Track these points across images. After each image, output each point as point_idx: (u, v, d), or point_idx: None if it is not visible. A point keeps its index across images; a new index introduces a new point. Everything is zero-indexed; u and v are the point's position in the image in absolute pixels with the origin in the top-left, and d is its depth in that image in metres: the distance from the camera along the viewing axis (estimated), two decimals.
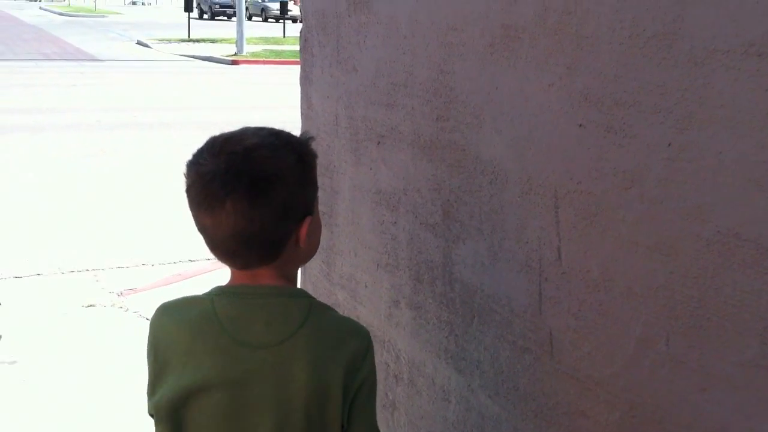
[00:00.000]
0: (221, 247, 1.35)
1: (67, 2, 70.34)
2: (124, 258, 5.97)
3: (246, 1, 33.01)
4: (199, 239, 1.36)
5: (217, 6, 46.92)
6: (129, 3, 76.41)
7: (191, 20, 30.80)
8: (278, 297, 1.38)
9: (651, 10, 1.24)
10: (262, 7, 45.46)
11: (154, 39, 28.69)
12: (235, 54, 23.75)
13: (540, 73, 1.50)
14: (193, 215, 1.34)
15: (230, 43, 26.41)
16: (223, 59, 22.91)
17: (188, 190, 1.33)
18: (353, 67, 2.20)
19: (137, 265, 5.87)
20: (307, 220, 1.37)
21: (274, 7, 42.18)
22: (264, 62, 22.54)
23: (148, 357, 1.41)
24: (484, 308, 1.73)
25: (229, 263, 1.39)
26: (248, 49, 24.62)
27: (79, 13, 49.06)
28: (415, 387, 2.02)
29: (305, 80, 2.55)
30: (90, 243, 6.27)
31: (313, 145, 1.44)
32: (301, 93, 2.57)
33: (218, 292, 1.39)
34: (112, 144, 10.27)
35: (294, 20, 38.71)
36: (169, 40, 28.34)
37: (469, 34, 1.69)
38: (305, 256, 1.47)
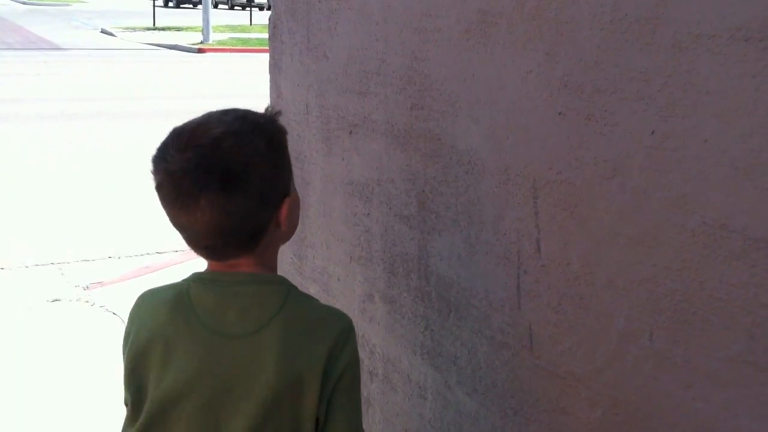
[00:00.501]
0: (201, 242, 1.31)
1: None
2: (90, 251, 5.86)
3: None
4: (167, 231, 1.31)
5: None
6: None
7: (156, 8, 30.41)
8: (254, 284, 1.34)
9: None
10: None
11: (118, 27, 28.29)
12: (201, 42, 23.49)
13: (518, 59, 1.46)
14: (167, 213, 1.29)
15: (196, 31, 26.12)
16: (189, 48, 22.66)
17: (158, 188, 1.28)
18: (324, 54, 2.14)
19: (104, 258, 5.77)
20: (286, 201, 1.34)
21: None
22: (230, 50, 22.33)
23: (123, 347, 1.38)
24: (461, 302, 1.68)
25: (208, 257, 1.35)
26: (214, 37, 24.37)
27: (43, 2, 48.23)
28: (390, 383, 1.98)
29: (274, 68, 2.48)
30: (55, 235, 6.15)
31: (286, 132, 1.39)
32: (270, 81, 2.50)
33: (194, 279, 1.36)
34: (76, 134, 10.10)
35: (261, 8, 38.43)
36: (134, 29, 27.96)
37: (444, 20, 1.64)
38: (285, 236, 1.43)
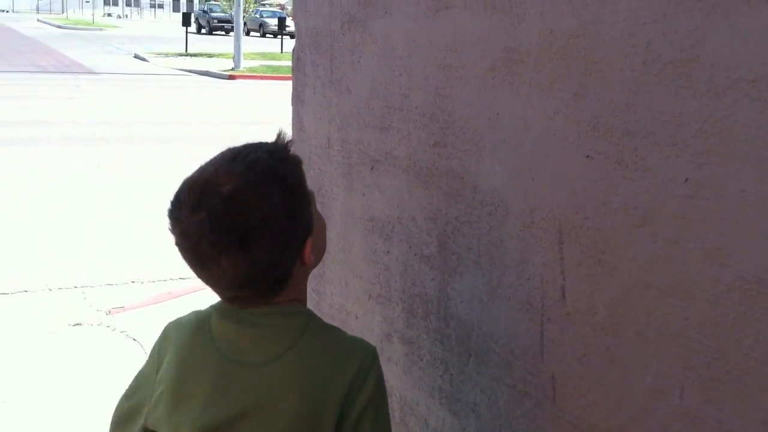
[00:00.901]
0: (226, 294, 1.31)
1: (65, 15, 70.44)
2: (114, 275, 5.85)
3: (244, 16, 33.01)
4: None
5: (215, 21, 46.88)
6: (105, 15, 76.32)
7: (189, 35, 30.78)
8: (274, 316, 1.30)
9: (667, 35, 1.14)
10: (260, 22, 45.46)
11: (151, 53, 28.66)
12: (232, 69, 23.72)
13: (545, 99, 1.40)
14: (190, 267, 1.27)
15: (227, 57, 26.39)
16: (220, 74, 22.87)
17: (178, 247, 1.26)
18: (347, 87, 2.10)
19: (126, 283, 5.76)
20: (309, 241, 1.30)
21: (272, 23, 42.27)
22: (261, 77, 22.50)
23: (148, 360, 1.39)
24: (482, 347, 1.62)
25: (234, 302, 1.32)
26: (245, 64, 24.59)
27: (77, 26, 49.06)
28: (407, 427, 1.91)
29: (297, 100, 2.44)
30: (79, 259, 6.16)
31: (300, 161, 1.34)
32: (293, 113, 2.47)
33: (218, 306, 1.33)
34: (106, 158, 10.17)
35: (292, 36, 38.54)
36: (167, 54, 28.31)
37: (469, 57, 1.60)
38: (313, 266, 1.38)
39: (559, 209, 1.39)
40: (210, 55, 28.51)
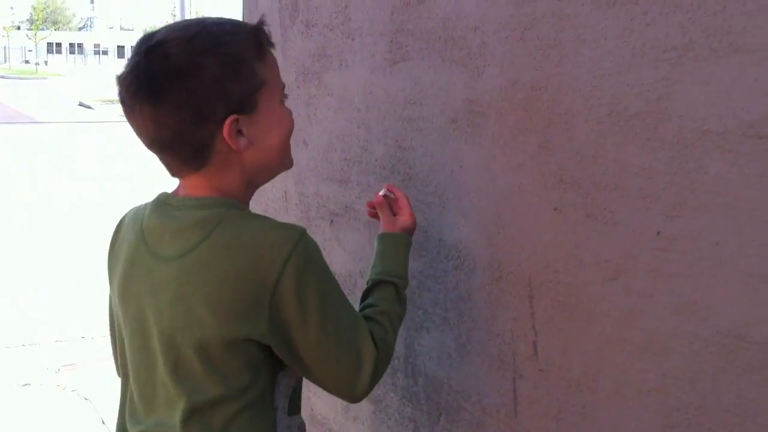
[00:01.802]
0: (153, 154, 1.28)
1: (7, 65, 69.54)
2: (63, 330, 5.68)
3: None
4: None
5: None
6: (22, 61, 75.48)
7: None
8: (195, 208, 1.24)
9: (632, 87, 1.13)
10: None
11: (97, 100, 28.34)
12: None
13: (509, 151, 1.38)
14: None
15: None
16: None
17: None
18: (303, 140, 2.06)
19: (76, 338, 5.59)
20: (231, 119, 1.20)
21: None
22: None
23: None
24: (452, 405, 1.57)
25: (168, 172, 1.31)
26: None
27: (21, 75, 48.37)
28: None
29: None
30: (25, 314, 5.96)
31: (261, 45, 1.26)
32: None
33: (154, 199, 1.32)
34: (47, 204, 9.96)
35: None
36: (112, 101, 27.99)
37: (429, 109, 1.57)
38: (255, 163, 1.28)
39: (528, 263, 1.36)
40: None
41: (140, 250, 1.26)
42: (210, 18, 1.26)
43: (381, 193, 1.49)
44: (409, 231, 1.47)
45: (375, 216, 1.52)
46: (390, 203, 1.50)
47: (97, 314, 5.91)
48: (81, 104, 27.72)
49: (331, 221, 1.96)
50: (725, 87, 1.00)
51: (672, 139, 1.08)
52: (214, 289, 1.17)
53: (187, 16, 24.45)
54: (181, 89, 1.17)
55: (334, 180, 1.93)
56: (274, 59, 1.31)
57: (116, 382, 1.36)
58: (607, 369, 1.22)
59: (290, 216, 2.17)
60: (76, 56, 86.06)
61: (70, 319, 5.88)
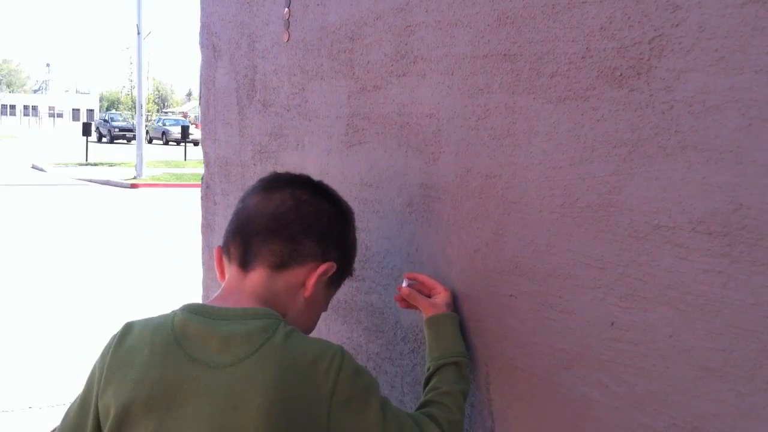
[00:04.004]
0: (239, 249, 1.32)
1: None
2: (8, 400, 5.50)
3: (146, 125, 32.82)
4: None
5: (117, 129, 46.37)
6: None
7: (90, 144, 30.36)
8: (246, 315, 1.21)
9: (585, 180, 1.15)
10: (162, 130, 45.25)
11: (50, 163, 28.05)
12: (135, 177, 23.38)
13: (464, 236, 1.39)
14: None
15: (130, 166, 26.05)
16: (122, 183, 22.49)
17: None
18: None
19: (24, 409, 5.42)
20: (323, 267, 1.29)
21: (175, 131, 42.16)
22: (164, 185, 22.22)
23: (96, 363, 1.26)
24: None
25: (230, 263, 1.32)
26: (148, 172, 24.30)
27: None
28: None
29: (206, 229, 2.38)
30: None
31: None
32: (203, 242, 2.40)
33: (182, 308, 1.24)
34: None
35: (195, 143, 38.70)
36: (66, 164, 27.76)
37: (386, 191, 1.59)
38: (298, 311, 1.31)
39: (485, 349, 1.36)
40: (111, 164, 28.08)
41: (172, 351, 1.19)
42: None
43: (404, 284, 1.46)
44: (450, 306, 1.45)
45: (410, 306, 1.48)
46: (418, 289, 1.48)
47: (44, 382, 5.77)
48: (34, 167, 27.40)
49: None
50: (674, 183, 1.02)
51: (624, 231, 1.10)
52: (267, 400, 1.12)
53: (144, 83, 24.52)
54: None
55: None
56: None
57: None
58: None
59: None
60: (31, 118, 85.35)
61: (17, 389, 5.71)
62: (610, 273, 1.12)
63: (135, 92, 27.34)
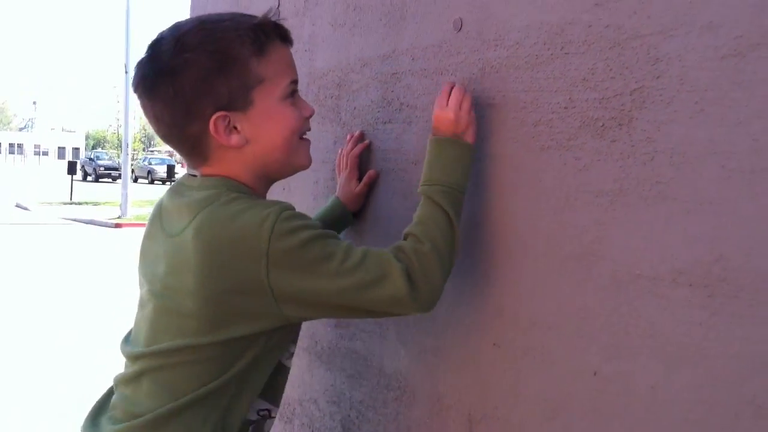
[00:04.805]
0: None
1: None
2: None
3: (132, 164, 32.79)
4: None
5: (102, 168, 46.30)
6: None
7: (75, 183, 30.26)
8: (195, 187, 1.28)
9: (567, 228, 1.16)
10: (148, 169, 45.16)
11: (34, 201, 27.92)
12: (119, 217, 23.29)
13: (449, 282, 1.38)
14: None
15: (114, 205, 25.94)
16: (106, 222, 22.38)
17: None
18: None
19: None
20: (215, 116, 1.23)
21: (161, 170, 42.07)
22: None
23: None
24: None
25: None
26: (133, 211, 24.20)
27: None
28: None
29: None
30: None
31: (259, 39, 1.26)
32: None
33: (177, 180, 1.38)
34: None
35: None
36: (50, 203, 27.62)
37: (372, 237, 1.59)
38: (259, 159, 1.29)
39: (469, 396, 1.35)
40: (96, 203, 27.96)
41: (155, 224, 1.33)
42: (213, 15, 1.30)
43: None
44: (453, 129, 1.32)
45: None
46: None
47: None
48: (18, 206, 27.26)
49: None
50: (655, 234, 1.03)
51: (606, 281, 1.10)
52: (201, 264, 1.18)
53: (130, 121, 24.54)
54: (169, 86, 1.23)
55: None
56: (281, 56, 1.30)
57: None
58: None
59: None
60: (16, 156, 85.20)
61: None
62: (592, 322, 1.13)
63: (122, 131, 27.36)
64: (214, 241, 1.18)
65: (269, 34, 1.28)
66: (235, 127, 1.25)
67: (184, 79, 1.22)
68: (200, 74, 1.22)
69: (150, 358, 1.26)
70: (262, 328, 1.23)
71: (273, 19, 1.29)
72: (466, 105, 1.30)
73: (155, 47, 1.26)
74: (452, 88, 1.32)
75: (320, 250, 1.18)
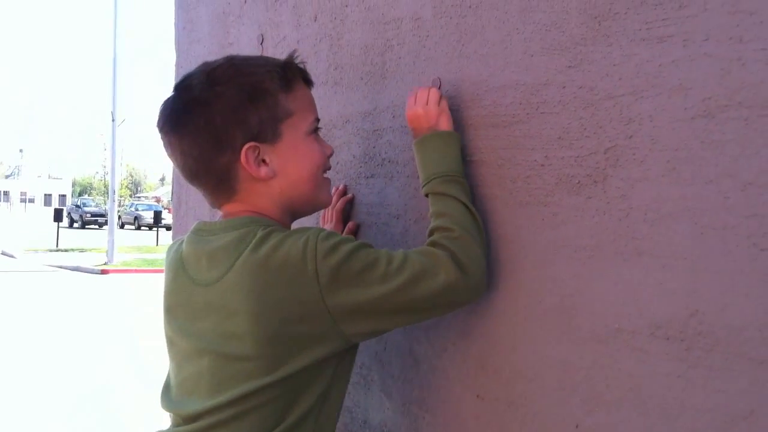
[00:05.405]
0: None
1: None
2: None
3: (118, 210, 32.74)
4: None
5: (89, 215, 46.18)
6: None
7: (61, 229, 30.14)
8: (225, 231, 1.26)
9: (546, 282, 1.18)
10: (135, 215, 45.07)
11: (20, 249, 27.77)
12: (105, 263, 23.18)
13: (431, 335, 1.41)
14: None
15: (101, 252, 25.84)
16: (92, 269, 22.26)
17: None
18: None
19: None
20: (249, 146, 1.25)
21: (148, 216, 42.00)
22: (135, 271, 22.03)
23: None
24: None
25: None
26: (120, 257, 24.11)
27: None
28: None
29: None
30: None
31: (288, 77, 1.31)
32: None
33: (192, 228, 1.35)
34: None
35: (168, 228, 38.48)
36: (36, 250, 27.49)
37: None
38: (285, 193, 1.31)
39: None
40: (82, 250, 27.84)
41: (181, 277, 1.30)
42: (241, 56, 1.34)
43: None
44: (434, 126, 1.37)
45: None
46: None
47: None
48: (3, 253, 27.11)
49: None
50: (632, 288, 1.05)
51: (586, 334, 1.12)
52: (253, 305, 1.18)
53: (117, 168, 24.57)
54: (200, 117, 1.25)
55: None
56: (306, 94, 1.34)
57: None
58: None
59: None
60: (2, 203, 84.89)
61: None
62: (573, 375, 1.14)
63: (108, 178, 27.36)
64: (262, 276, 1.18)
65: (295, 72, 1.33)
66: (264, 160, 1.28)
67: (215, 111, 1.25)
68: (231, 105, 1.25)
69: (219, 410, 1.21)
70: (324, 353, 1.21)
71: (296, 62, 1.34)
72: (433, 98, 1.35)
73: (184, 83, 1.29)
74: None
75: (364, 259, 1.20)
